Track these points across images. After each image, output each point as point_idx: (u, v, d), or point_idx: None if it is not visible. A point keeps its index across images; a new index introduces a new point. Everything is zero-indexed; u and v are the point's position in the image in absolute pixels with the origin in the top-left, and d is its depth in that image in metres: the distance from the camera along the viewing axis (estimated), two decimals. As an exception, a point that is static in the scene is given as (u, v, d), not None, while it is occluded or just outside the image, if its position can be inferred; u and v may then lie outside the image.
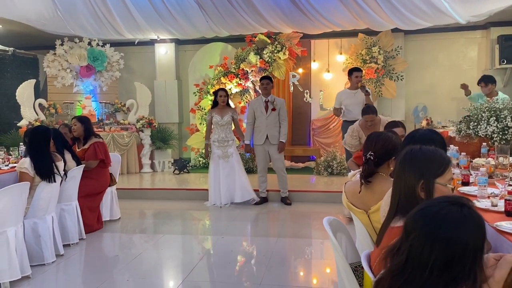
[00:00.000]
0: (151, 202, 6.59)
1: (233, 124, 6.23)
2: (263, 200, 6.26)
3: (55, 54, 8.65)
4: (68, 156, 4.52)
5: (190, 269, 3.90)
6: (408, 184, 1.64)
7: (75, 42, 8.62)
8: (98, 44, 8.73)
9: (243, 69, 8.29)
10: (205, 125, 8.39)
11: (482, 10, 6.23)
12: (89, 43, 8.67)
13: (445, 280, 1.13)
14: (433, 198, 1.38)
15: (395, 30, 7.82)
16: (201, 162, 8.66)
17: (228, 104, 6.26)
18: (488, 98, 5.76)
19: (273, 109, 6.02)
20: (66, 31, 7.70)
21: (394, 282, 1.18)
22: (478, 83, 6.31)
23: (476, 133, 3.53)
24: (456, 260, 1.13)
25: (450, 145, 4.15)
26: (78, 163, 4.64)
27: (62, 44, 8.64)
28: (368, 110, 4.92)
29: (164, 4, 6.40)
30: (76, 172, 4.58)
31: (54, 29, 7.51)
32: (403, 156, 1.70)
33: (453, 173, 3.17)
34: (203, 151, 8.54)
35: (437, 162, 1.66)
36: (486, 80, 6.17)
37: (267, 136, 6.02)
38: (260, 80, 6.29)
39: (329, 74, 8.51)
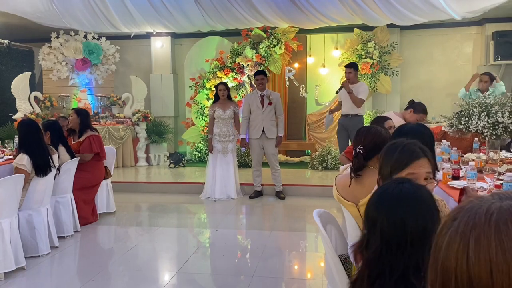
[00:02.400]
0: (146, 196, 6.61)
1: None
2: (258, 194, 6.30)
3: (50, 47, 8.63)
4: (62, 149, 4.54)
5: (184, 261, 3.94)
6: (383, 175, 1.71)
7: (71, 35, 8.60)
8: (93, 37, 8.70)
9: (239, 63, 8.30)
10: (200, 119, 8.44)
11: (477, 6, 6.25)
12: (85, 36, 8.64)
13: (421, 253, 1.17)
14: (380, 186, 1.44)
15: (391, 26, 7.84)
16: (196, 156, 8.69)
17: (229, 98, 6.28)
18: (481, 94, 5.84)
19: (269, 103, 6.04)
20: (62, 24, 7.69)
21: (372, 270, 1.22)
22: (483, 75, 6.33)
23: (467, 128, 3.57)
24: (428, 232, 1.18)
25: (443, 140, 4.20)
26: (72, 157, 4.65)
27: (57, 37, 8.61)
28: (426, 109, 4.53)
29: (160, -2, 6.40)
30: (71, 165, 4.60)
31: (49, 22, 7.50)
32: (384, 148, 1.77)
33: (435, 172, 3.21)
34: (199, 145, 8.64)
35: (399, 156, 1.71)
36: (492, 78, 6.24)
37: (263, 130, 6.04)
38: (255, 75, 6.27)
39: (324, 69, 8.53)
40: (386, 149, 1.79)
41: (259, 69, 8.16)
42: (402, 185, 1.27)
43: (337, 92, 6.22)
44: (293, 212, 5.71)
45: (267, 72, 8.37)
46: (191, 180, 7.11)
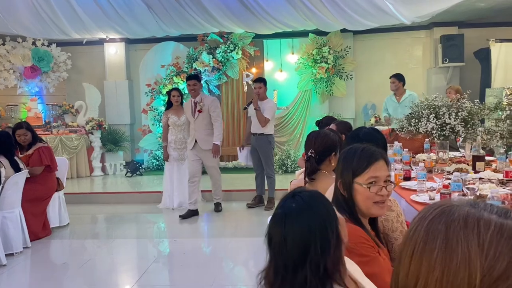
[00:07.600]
0: (103, 206, 6.41)
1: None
2: (191, 214, 5.58)
3: (-4, 54, 8.23)
4: (5, 162, 4.29)
5: (142, 272, 3.84)
6: (345, 181, 1.70)
7: (18, 42, 8.25)
8: (43, 44, 8.39)
9: (195, 68, 8.23)
10: (157, 125, 8.29)
11: (425, 11, 6.48)
12: (34, 43, 8.32)
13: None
14: None
15: (344, 31, 8.01)
16: (154, 164, 8.52)
17: (182, 104, 6.16)
18: (396, 97, 6.15)
19: (199, 111, 5.50)
20: (8, 31, 7.34)
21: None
22: (391, 77, 6.43)
23: (417, 129, 3.68)
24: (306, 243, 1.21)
25: (395, 142, 4.31)
26: (17, 170, 4.40)
27: (3, 44, 8.24)
28: None
29: (111, 4, 6.23)
30: (19, 178, 4.38)
31: (-6, 28, 7.14)
32: (342, 154, 1.76)
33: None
34: (157, 152, 8.48)
35: (359, 159, 1.69)
36: (400, 78, 6.28)
37: (196, 140, 5.58)
38: (186, 80, 5.76)
39: (282, 74, 8.60)
40: (345, 154, 1.76)
41: (216, 73, 8.14)
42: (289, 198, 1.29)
43: (244, 109, 6.08)
44: (254, 217, 5.69)
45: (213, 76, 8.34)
46: (149, 189, 6.96)
